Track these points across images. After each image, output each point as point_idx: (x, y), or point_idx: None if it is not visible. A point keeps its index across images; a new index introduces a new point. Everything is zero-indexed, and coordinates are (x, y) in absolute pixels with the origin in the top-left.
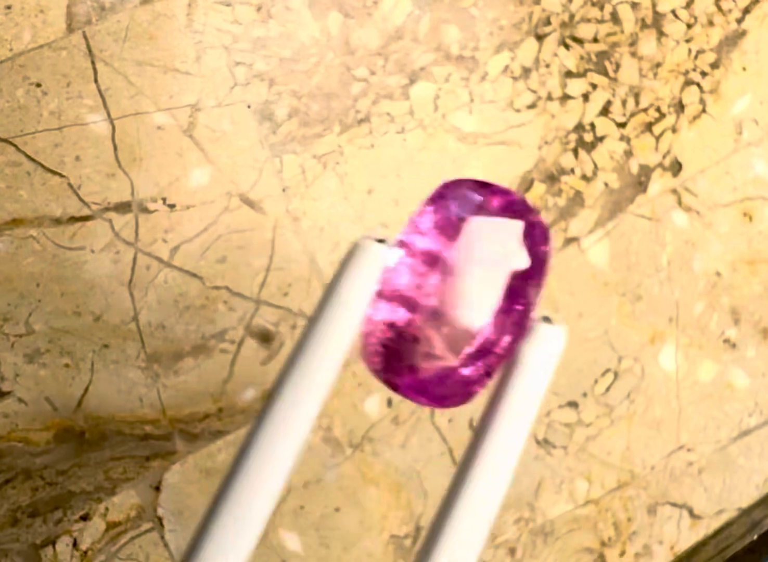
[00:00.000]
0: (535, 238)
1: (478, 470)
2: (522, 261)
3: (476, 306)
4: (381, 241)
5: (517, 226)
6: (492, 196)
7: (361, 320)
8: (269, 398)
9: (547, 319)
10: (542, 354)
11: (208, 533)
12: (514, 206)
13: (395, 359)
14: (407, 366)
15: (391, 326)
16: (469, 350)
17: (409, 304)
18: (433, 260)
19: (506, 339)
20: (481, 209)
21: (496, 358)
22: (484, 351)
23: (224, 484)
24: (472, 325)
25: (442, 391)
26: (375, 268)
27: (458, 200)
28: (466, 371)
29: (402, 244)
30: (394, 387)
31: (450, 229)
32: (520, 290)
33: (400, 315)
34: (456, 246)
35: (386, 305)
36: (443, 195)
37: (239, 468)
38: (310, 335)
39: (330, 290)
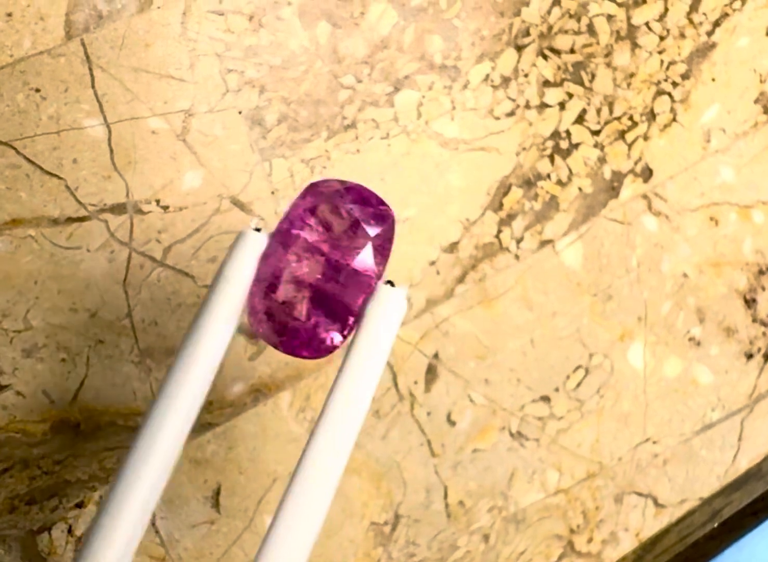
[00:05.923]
0: (380, 213)
1: (322, 427)
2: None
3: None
4: (258, 229)
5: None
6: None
7: (245, 291)
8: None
9: (390, 283)
10: (384, 314)
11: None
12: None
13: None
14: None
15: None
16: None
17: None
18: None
19: (358, 300)
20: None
21: (350, 315)
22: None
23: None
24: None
25: (296, 343)
26: (254, 253)
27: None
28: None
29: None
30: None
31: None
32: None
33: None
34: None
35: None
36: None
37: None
38: (205, 305)
39: (218, 271)
